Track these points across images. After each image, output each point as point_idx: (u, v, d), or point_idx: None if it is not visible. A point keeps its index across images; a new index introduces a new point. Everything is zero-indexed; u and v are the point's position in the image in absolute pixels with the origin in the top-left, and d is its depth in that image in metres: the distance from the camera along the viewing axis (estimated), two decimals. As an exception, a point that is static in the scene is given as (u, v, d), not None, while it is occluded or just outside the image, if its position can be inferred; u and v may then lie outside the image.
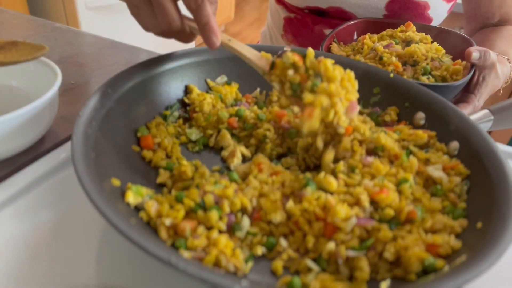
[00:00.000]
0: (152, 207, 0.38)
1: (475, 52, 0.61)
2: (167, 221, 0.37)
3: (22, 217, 0.43)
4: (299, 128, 0.48)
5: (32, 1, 2.01)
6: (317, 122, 0.41)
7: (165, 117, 0.53)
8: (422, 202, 0.41)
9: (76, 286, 0.36)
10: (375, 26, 0.78)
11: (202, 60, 0.57)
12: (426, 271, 0.35)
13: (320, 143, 0.45)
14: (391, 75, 0.46)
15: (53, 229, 0.42)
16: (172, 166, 0.46)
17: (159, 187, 0.45)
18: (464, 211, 0.40)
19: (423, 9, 0.80)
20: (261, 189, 0.42)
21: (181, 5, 0.45)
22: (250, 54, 0.48)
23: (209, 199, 0.39)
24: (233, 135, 0.53)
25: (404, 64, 0.67)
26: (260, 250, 0.38)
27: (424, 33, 0.74)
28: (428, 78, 0.64)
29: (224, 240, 0.36)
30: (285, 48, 0.46)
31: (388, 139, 0.47)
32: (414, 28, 0.75)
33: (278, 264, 0.37)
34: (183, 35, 0.46)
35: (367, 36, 0.73)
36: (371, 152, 0.47)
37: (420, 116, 0.52)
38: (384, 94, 0.56)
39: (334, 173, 0.44)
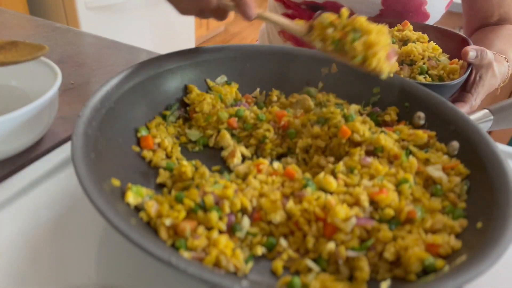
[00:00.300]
0: (152, 207, 0.38)
1: (471, 51, 0.61)
2: (167, 221, 0.37)
3: (22, 217, 0.43)
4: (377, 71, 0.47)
5: (32, 1, 2.01)
6: (391, 66, 0.46)
7: (165, 117, 0.53)
8: (422, 202, 0.41)
9: (76, 286, 0.36)
10: None
11: (202, 60, 0.57)
12: (426, 271, 0.35)
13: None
14: (391, 75, 0.47)
15: (53, 229, 0.42)
16: (172, 166, 0.46)
17: (159, 187, 0.45)
18: (464, 211, 0.40)
19: (420, 5, 0.80)
20: (261, 189, 0.42)
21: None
22: (286, 20, 0.51)
23: (209, 199, 0.39)
24: (233, 135, 0.53)
25: (401, 63, 0.67)
26: (260, 250, 0.38)
27: (421, 32, 0.74)
28: (425, 78, 0.64)
29: (224, 240, 0.36)
30: (319, 12, 0.50)
31: (387, 139, 0.47)
32: (411, 27, 0.75)
33: (278, 264, 0.37)
34: (219, 13, 0.52)
35: None
36: (371, 153, 0.47)
37: (420, 116, 0.52)
38: (384, 94, 0.56)
39: (333, 174, 0.44)
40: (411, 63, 0.67)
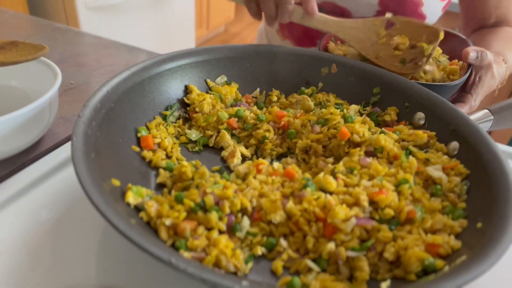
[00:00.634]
0: (152, 207, 0.38)
1: (472, 52, 0.61)
2: (167, 222, 0.37)
3: (22, 217, 0.43)
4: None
5: (32, 1, 2.01)
6: None
7: (165, 117, 0.53)
8: (421, 202, 0.41)
9: (76, 286, 0.36)
10: None
11: (202, 60, 0.57)
12: (426, 271, 0.35)
13: None
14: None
15: (53, 229, 0.42)
16: (172, 166, 0.46)
17: (159, 187, 0.45)
18: (464, 211, 0.40)
19: (416, 6, 0.80)
20: (261, 189, 0.42)
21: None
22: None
23: (209, 199, 0.39)
24: (233, 135, 0.53)
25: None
26: (260, 250, 0.38)
27: None
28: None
29: (224, 241, 0.36)
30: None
31: (387, 139, 0.47)
32: None
33: (278, 264, 0.37)
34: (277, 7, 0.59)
35: None
36: (371, 153, 0.47)
37: (420, 116, 0.52)
38: (384, 94, 0.56)
39: (333, 174, 0.44)
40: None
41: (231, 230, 0.39)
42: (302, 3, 0.57)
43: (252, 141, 0.52)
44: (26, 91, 0.57)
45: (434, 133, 0.49)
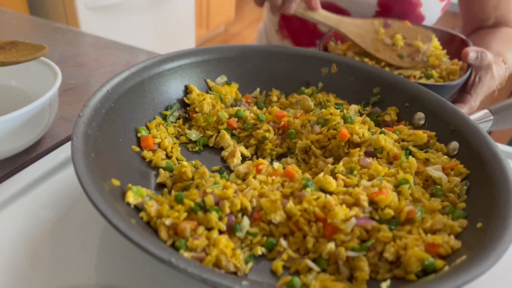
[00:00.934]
0: (152, 207, 0.38)
1: (472, 53, 0.62)
2: (167, 221, 0.37)
3: (22, 217, 0.43)
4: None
5: (32, 1, 2.01)
6: None
7: (165, 117, 0.53)
8: (421, 202, 0.41)
9: (76, 286, 0.36)
10: None
11: (202, 60, 0.57)
12: (426, 271, 0.35)
13: None
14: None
15: (53, 229, 0.42)
16: (172, 166, 0.46)
17: (159, 187, 0.45)
18: (464, 211, 0.40)
19: (415, 7, 0.80)
20: (261, 189, 0.42)
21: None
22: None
23: (209, 199, 0.39)
24: (233, 135, 0.53)
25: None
26: (260, 250, 0.38)
27: None
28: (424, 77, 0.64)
29: (224, 240, 0.36)
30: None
31: (387, 140, 0.47)
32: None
33: (278, 264, 0.37)
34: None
35: None
36: (371, 153, 0.47)
37: (420, 116, 0.52)
38: (384, 94, 0.56)
39: (333, 174, 0.44)
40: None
41: (231, 230, 0.39)
42: None
43: (252, 141, 0.52)
44: (26, 91, 0.57)
45: (434, 133, 0.49)
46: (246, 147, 0.53)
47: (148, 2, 2.33)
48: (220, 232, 0.38)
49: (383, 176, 0.43)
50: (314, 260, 0.37)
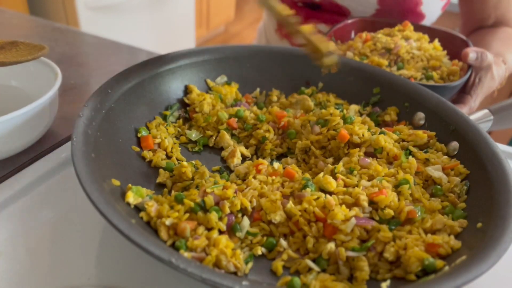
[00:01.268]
0: (152, 207, 0.38)
1: (472, 53, 0.62)
2: (168, 222, 0.37)
3: (22, 217, 0.43)
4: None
5: (32, 1, 2.01)
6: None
7: (165, 117, 0.53)
8: (421, 202, 0.41)
9: (76, 286, 0.36)
10: (372, 25, 0.78)
11: (202, 60, 0.57)
12: (426, 271, 0.35)
13: None
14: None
15: (53, 229, 0.42)
16: (172, 166, 0.46)
17: (159, 188, 0.45)
18: (464, 211, 0.40)
19: (415, 5, 0.80)
20: (261, 189, 0.42)
21: None
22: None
23: (209, 199, 0.39)
24: (233, 135, 0.53)
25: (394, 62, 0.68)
26: (260, 250, 0.38)
27: (421, 33, 0.74)
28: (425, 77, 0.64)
29: (224, 241, 0.36)
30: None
31: (387, 140, 0.47)
32: (412, 27, 0.75)
33: (278, 264, 0.37)
34: None
35: (364, 34, 0.74)
36: (370, 154, 0.47)
37: (420, 116, 0.52)
38: (384, 94, 0.56)
39: (333, 174, 0.44)
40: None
41: (231, 230, 0.39)
42: None
43: (252, 141, 0.52)
44: (26, 91, 0.57)
45: (434, 133, 0.49)
46: (246, 147, 0.53)
47: (148, 2, 2.33)
48: (220, 232, 0.38)
49: (383, 176, 0.43)
50: (314, 260, 0.37)
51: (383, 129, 0.50)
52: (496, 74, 0.66)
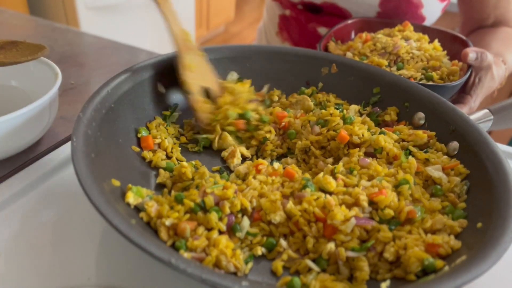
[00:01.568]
0: (152, 207, 0.38)
1: (471, 53, 0.61)
2: (167, 222, 0.36)
3: (22, 217, 0.43)
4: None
5: (32, 1, 2.01)
6: None
7: (165, 117, 0.53)
8: (421, 203, 0.41)
9: (76, 286, 0.36)
10: (372, 25, 0.78)
11: (202, 60, 0.57)
12: (425, 271, 0.35)
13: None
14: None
15: (53, 229, 0.42)
16: (172, 166, 0.46)
17: (159, 188, 0.45)
18: (464, 211, 0.40)
19: (416, 8, 0.80)
20: (261, 189, 0.42)
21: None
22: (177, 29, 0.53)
23: (209, 200, 0.38)
24: (237, 137, 0.53)
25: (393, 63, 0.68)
26: (260, 251, 0.38)
27: (421, 33, 0.74)
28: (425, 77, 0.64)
29: (224, 241, 0.36)
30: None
31: (387, 140, 0.47)
32: (412, 27, 0.75)
33: (278, 264, 0.37)
34: None
35: (364, 34, 0.74)
36: (370, 154, 0.47)
37: (420, 116, 0.52)
38: (384, 94, 0.56)
39: (333, 174, 0.44)
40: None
41: (231, 230, 0.39)
42: None
43: (254, 142, 0.52)
44: (26, 91, 0.57)
45: (434, 133, 0.49)
46: (247, 148, 0.53)
47: (148, 2, 2.33)
48: (220, 232, 0.38)
49: (383, 176, 0.43)
50: (314, 260, 0.37)
51: (383, 129, 0.50)
52: (496, 74, 0.66)
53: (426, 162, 0.46)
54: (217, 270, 0.34)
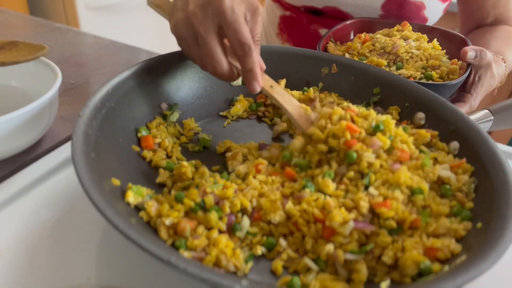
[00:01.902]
0: (152, 207, 0.38)
1: (470, 52, 0.61)
2: (167, 221, 0.37)
3: (22, 217, 0.43)
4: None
5: (32, 1, 2.01)
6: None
7: (165, 117, 0.53)
8: (430, 207, 0.39)
9: (76, 286, 0.36)
10: (371, 25, 0.78)
11: (202, 60, 0.57)
12: (422, 274, 0.34)
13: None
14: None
15: (53, 229, 0.42)
16: (172, 166, 0.46)
17: (159, 187, 0.45)
18: (471, 211, 0.39)
19: (418, 10, 0.80)
20: (261, 189, 0.42)
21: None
22: (291, 107, 0.48)
23: (210, 199, 0.38)
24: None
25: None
26: (260, 250, 0.38)
27: (420, 33, 0.74)
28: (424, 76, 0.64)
29: (224, 240, 0.36)
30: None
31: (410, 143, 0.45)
32: (410, 27, 0.75)
33: (278, 264, 0.37)
34: (230, 77, 0.46)
35: (363, 34, 0.74)
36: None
37: (420, 116, 0.52)
38: (384, 94, 0.56)
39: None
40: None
41: (231, 230, 0.39)
42: (243, 75, 0.45)
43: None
44: (26, 91, 0.57)
45: (437, 132, 0.49)
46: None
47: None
48: (220, 231, 0.38)
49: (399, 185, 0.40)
50: (313, 261, 0.37)
51: (405, 126, 0.48)
52: (496, 72, 0.66)
53: (435, 161, 0.45)
54: (217, 270, 0.34)
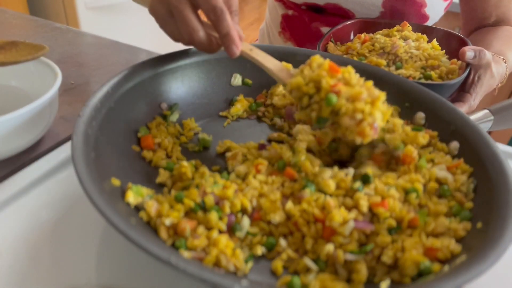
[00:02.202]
0: (152, 207, 0.38)
1: (469, 52, 0.61)
2: (167, 221, 0.36)
3: (22, 217, 0.43)
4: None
5: (32, 1, 2.01)
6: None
7: (165, 117, 0.53)
8: (428, 207, 0.40)
9: (76, 286, 0.36)
10: (371, 26, 0.78)
11: (202, 60, 0.57)
12: (422, 275, 0.34)
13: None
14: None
15: (53, 229, 0.42)
16: (172, 166, 0.46)
17: (159, 187, 0.45)
18: (471, 211, 0.39)
19: (419, 7, 0.80)
20: (261, 189, 0.42)
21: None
22: (272, 64, 0.49)
23: (210, 199, 0.38)
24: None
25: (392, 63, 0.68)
26: (260, 250, 0.38)
27: (420, 33, 0.74)
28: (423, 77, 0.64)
29: (224, 240, 0.36)
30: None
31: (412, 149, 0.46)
32: (410, 27, 0.75)
33: (278, 264, 0.37)
34: (209, 46, 0.46)
35: (362, 35, 0.74)
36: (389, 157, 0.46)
37: (420, 116, 0.52)
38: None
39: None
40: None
41: (231, 230, 0.39)
42: (221, 40, 0.44)
43: None
44: (26, 91, 0.57)
45: (436, 133, 0.49)
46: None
47: (148, 2, 2.32)
48: (220, 231, 0.38)
49: (394, 185, 0.41)
50: (313, 261, 0.37)
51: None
52: (495, 72, 0.66)
53: (431, 162, 0.45)
54: (217, 270, 0.34)
